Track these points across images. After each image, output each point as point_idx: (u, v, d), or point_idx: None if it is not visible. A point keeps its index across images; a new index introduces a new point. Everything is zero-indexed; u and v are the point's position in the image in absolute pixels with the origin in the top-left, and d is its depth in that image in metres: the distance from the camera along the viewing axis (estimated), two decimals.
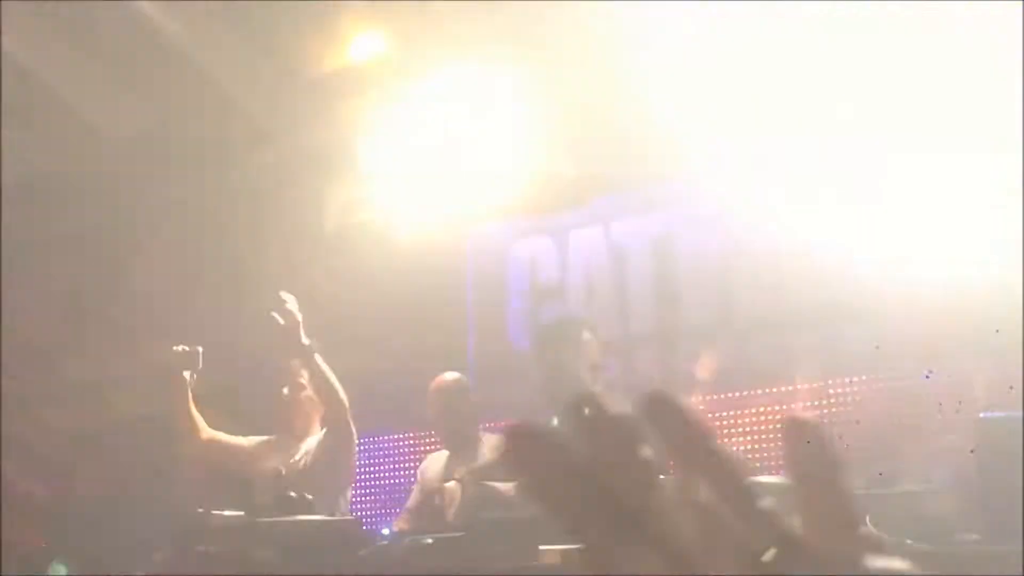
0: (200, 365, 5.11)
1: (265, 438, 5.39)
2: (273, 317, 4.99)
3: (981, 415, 2.37)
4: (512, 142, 5.81)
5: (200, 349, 5.11)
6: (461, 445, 5.23)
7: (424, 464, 5.45)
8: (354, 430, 5.21)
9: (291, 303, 4.96)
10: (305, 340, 4.95)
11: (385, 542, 3.36)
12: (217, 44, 5.88)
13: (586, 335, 4.48)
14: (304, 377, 5.28)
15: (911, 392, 5.04)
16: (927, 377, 2.22)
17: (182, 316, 6.39)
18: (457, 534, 3.21)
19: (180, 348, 5.09)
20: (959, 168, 5.25)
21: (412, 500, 5.31)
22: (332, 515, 4.28)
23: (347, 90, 6.23)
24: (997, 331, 4.61)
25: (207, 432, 5.24)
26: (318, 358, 4.98)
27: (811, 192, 5.69)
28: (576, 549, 2.49)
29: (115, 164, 6.25)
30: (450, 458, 5.28)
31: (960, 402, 4.80)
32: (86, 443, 6.48)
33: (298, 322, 4.96)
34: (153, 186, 6.45)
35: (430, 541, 3.19)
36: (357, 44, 6.23)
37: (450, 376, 5.36)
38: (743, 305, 5.94)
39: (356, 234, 6.15)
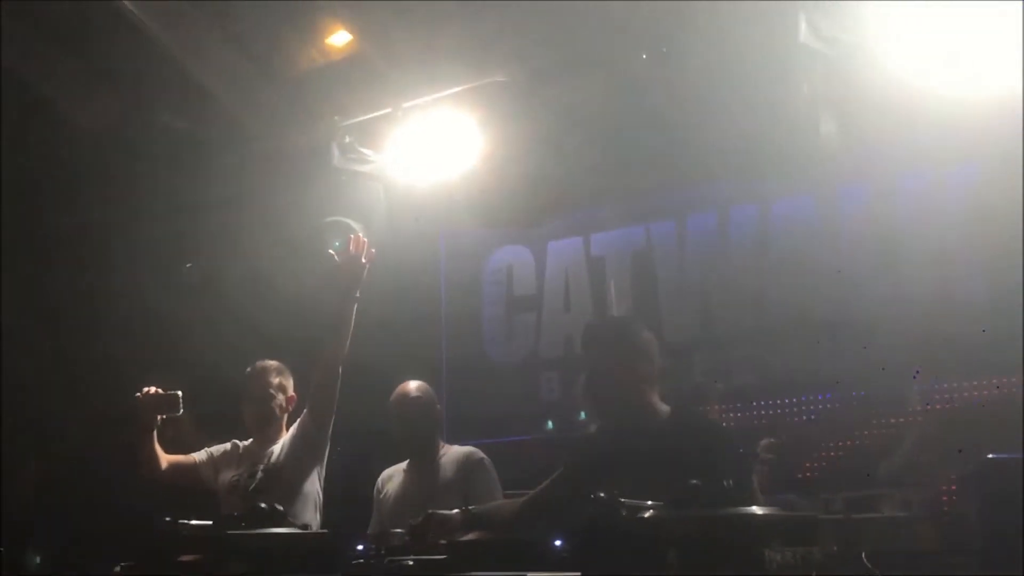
0: (180, 410, 4.99)
1: (227, 447, 5.29)
2: (331, 255, 4.93)
3: (990, 456, 2.32)
4: (491, 149, 5.72)
5: (179, 393, 4.97)
6: (421, 457, 5.11)
7: (380, 479, 5.29)
8: (329, 438, 5.14)
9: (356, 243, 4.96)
10: (358, 293, 4.93)
11: (361, 560, 3.25)
12: (196, 41, 5.80)
13: (645, 334, 4.29)
14: (275, 386, 5.20)
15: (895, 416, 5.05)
16: (915, 376, 2.19)
17: (149, 317, 6.28)
18: (439, 556, 3.12)
19: (153, 391, 4.98)
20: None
21: (375, 517, 5.19)
22: (304, 527, 4.19)
23: (324, 91, 6.14)
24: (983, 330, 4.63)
25: (166, 461, 5.12)
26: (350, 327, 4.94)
27: (797, 211, 5.69)
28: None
29: (90, 159, 6.15)
30: (408, 471, 5.17)
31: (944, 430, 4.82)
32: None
33: (362, 269, 4.92)
34: (127, 182, 6.34)
35: (411, 563, 3.10)
36: (334, 45, 6.14)
37: (414, 384, 5.21)
38: (722, 320, 5.90)
39: (330, 236, 6.04)
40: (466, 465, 5.03)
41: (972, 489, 3.33)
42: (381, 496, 5.23)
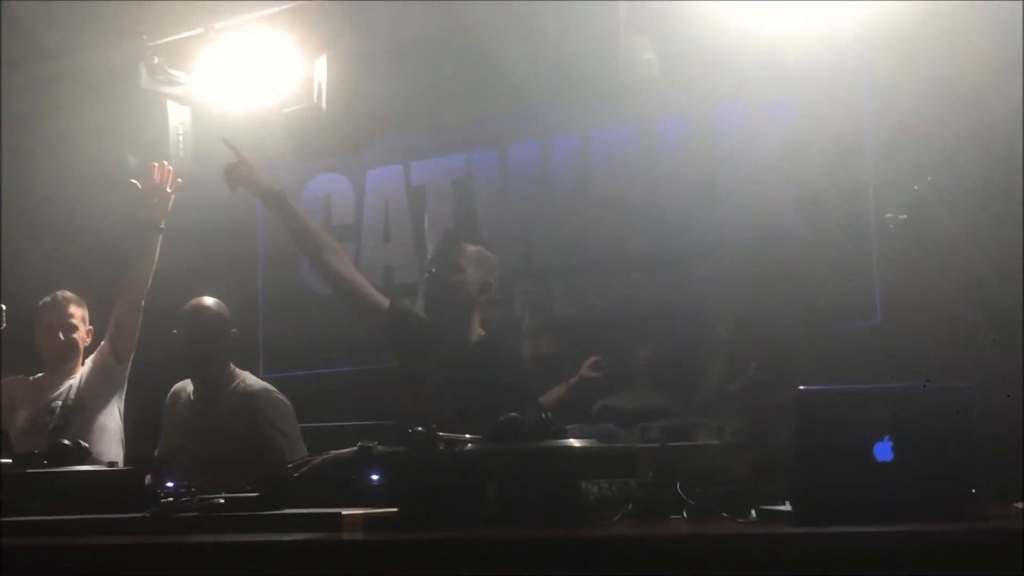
0: (3, 324, 4.71)
1: (18, 379, 5.07)
2: (134, 184, 4.76)
3: (801, 387, 2.35)
4: (308, 74, 5.55)
5: (3, 307, 4.67)
6: (207, 381, 4.76)
7: (169, 395, 4.92)
8: (127, 372, 4.98)
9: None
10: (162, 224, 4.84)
11: (170, 498, 3.13)
12: None
13: (480, 255, 4.23)
14: (77, 318, 5.00)
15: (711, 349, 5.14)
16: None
17: None
18: (251, 494, 3.02)
19: None
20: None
21: (163, 436, 4.87)
22: (111, 464, 4.03)
23: (132, 8, 5.84)
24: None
25: None
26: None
27: (618, 142, 5.69)
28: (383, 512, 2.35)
29: None
30: (196, 396, 4.80)
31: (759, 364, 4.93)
32: None
33: (167, 199, 4.79)
34: None
35: (222, 501, 2.99)
36: None
37: (208, 299, 4.83)
38: (542, 252, 5.91)
39: (140, 161, 5.80)
40: (263, 402, 4.72)
41: (782, 419, 3.41)
42: (168, 415, 4.92)
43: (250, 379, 4.85)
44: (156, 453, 4.86)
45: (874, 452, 2.34)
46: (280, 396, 4.77)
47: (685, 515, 2.69)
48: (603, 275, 5.68)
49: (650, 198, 5.58)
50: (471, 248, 4.24)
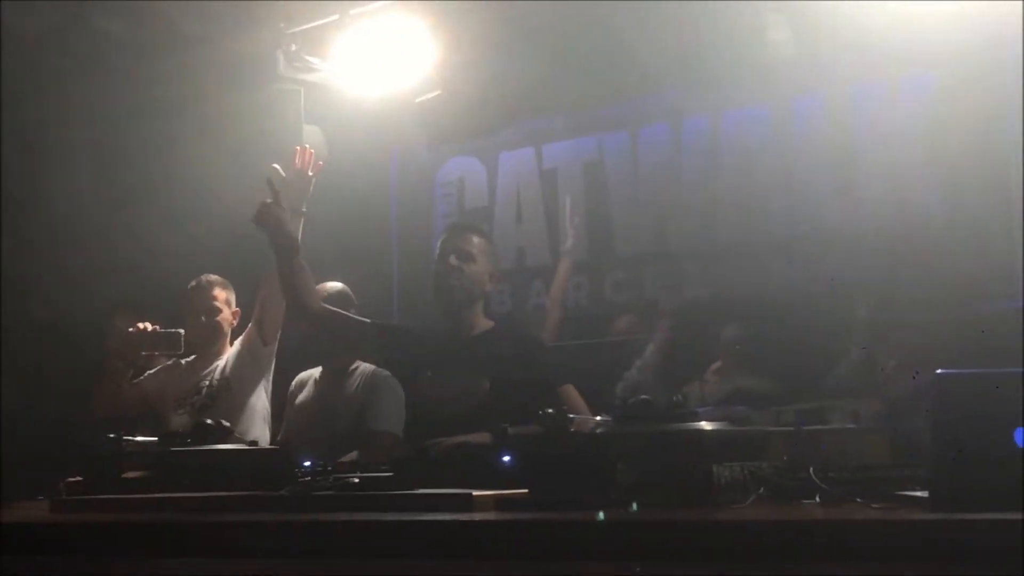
0: (182, 348, 4.88)
1: (168, 364, 5.20)
2: (275, 169, 4.43)
3: (938, 371, 2.30)
4: (441, 58, 5.60)
5: (182, 332, 4.86)
6: (332, 366, 4.94)
7: (293, 383, 5.12)
8: (275, 353, 5.08)
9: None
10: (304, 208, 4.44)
11: (308, 478, 3.20)
12: None
13: (489, 247, 4.28)
14: (221, 300, 5.13)
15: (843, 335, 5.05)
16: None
17: (95, 234, 6.13)
18: (385, 474, 3.08)
19: (151, 328, 4.84)
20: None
21: (284, 424, 5.03)
22: (253, 442, 4.14)
23: (264, 1, 5.97)
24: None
25: (126, 386, 5.04)
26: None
27: (750, 123, 5.62)
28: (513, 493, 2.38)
29: (26, 64, 5.96)
30: (320, 380, 4.99)
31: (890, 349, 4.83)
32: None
33: (308, 183, 4.49)
34: (64, 87, 6.15)
35: (357, 480, 3.06)
36: None
37: (332, 286, 4.96)
38: (673, 234, 5.88)
39: (276, 145, 5.92)
40: (373, 382, 4.87)
41: (919, 402, 3.34)
42: (291, 402, 5.08)
43: (368, 364, 4.96)
44: (279, 437, 5.02)
45: (1015, 437, 2.28)
46: (387, 375, 4.86)
47: (818, 499, 2.65)
48: (735, 257, 5.63)
49: (783, 179, 5.51)
50: (478, 239, 4.23)
